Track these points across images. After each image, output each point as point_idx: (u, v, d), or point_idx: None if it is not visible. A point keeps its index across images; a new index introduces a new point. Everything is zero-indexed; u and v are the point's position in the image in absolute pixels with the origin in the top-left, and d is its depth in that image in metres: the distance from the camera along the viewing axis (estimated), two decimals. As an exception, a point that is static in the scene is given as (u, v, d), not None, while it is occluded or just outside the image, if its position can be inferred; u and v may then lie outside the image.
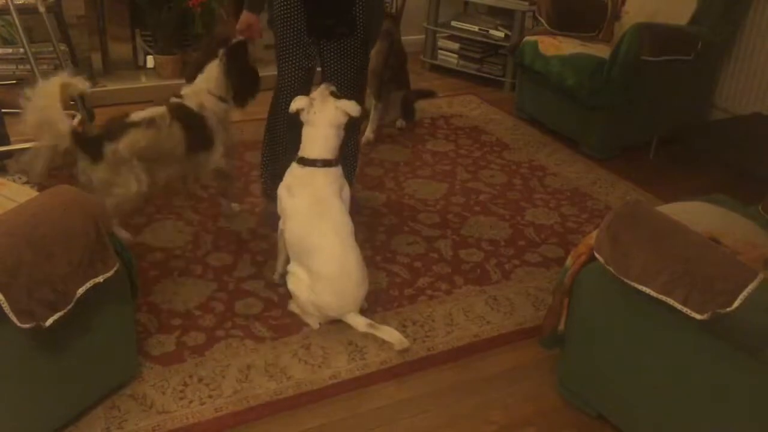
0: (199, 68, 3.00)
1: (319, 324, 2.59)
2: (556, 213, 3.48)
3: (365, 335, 2.54)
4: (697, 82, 4.30)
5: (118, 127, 2.73)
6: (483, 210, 3.46)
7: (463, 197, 3.56)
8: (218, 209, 3.26)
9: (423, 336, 2.60)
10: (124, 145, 2.68)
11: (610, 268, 2.00)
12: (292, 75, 2.94)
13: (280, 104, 2.97)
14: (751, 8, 4.21)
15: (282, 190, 2.63)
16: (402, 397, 2.34)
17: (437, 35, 5.30)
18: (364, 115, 3.23)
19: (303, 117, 2.59)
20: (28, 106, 2.55)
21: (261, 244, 3.04)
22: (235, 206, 3.25)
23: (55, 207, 1.93)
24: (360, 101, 2.78)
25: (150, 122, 2.76)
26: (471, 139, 4.21)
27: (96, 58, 4.42)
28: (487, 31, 5.04)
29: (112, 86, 4.32)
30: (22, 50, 3.75)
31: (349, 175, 3.04)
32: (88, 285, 1.90)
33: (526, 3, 4.81)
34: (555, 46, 4.18)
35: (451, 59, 5.26)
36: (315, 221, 2.53)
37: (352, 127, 2.88)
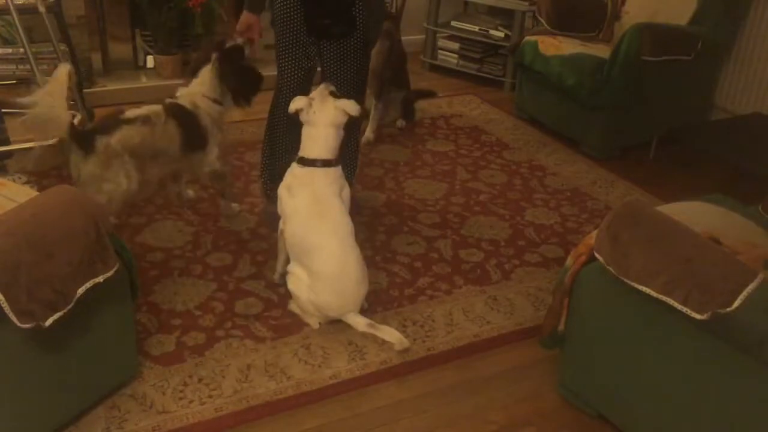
0: (195, 71, 3.02)
1: (319, 324, 2.59)
2: (556, 213, 3.48)
3: (365, 335, 2.54)
4: (697, 82, 4.30)
5: (112, 123, 2.73)
6: (483, 210, 3.46)
7: (463, 197, 3.56)
8: (218, 209, 3.26)
9: (423, 336, 2.60)
10: (116, 139, 2.67)
11: (610, 268, 2.00)
12: (292, 75, 2.94)
13: (280, 104, 2.97)
14: (751, 8, 4.21)
15: (282, 190, 2.63)
16: (402, 397, 2.34)
17: (437, 35, 5.29)
18: (364, 115, 3.23)
19: (302, 117, 2.59)
20: (38, 95, 2.54)
21: (261, 244, 3.04)
22: (235, 206, 3.25)
23: (55, 207, 1.93)
24: (360, 102, 2.78)
25: (145, 119, 2.76)
26: (471, 139, 4.21)
27: (96, 58, 4.42)
28: (487, 31, 5.04)
29: (112, 86, 4.32)
30: (22, 50, 3.75)
31: (349, 175, 3.04)
32: (88, 285, 1.90)
33: (526, 3, 4.81)
34: (555, 46, 4.18)
35: (451, 59, 5.26)
36: (315, 221, 2.53)
37: (352, 127, 2.88)
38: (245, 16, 2.91)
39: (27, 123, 2.54)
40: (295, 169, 2.61)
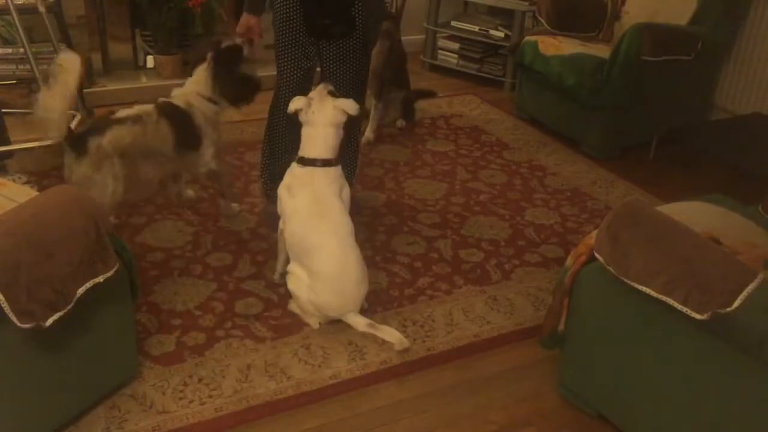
0: (193, 70, 3.02)
1: (319, 324, 2.59)
2: (556, 213, 3.48)
3: (365, 335, 2.54)
4: (697, 82, 4.30)
5: (103, 123, 2.72)
6: (483, 210, 3.46)
7: (463, 197, 3.56)
8: (218, 209, 3.26)
9: (423, 336, 2.60)
10: (107, 140, 2.66)
11: (610, 268, 2.00)
12: (292, 75, 2.94)
13: (279, 104, 2.97)
14: (751, 8, 4.21)
15: (282, 190, 2.63)
16: (402, 397, 2.34)
17: (437, 35, 5.29)
18: (364, 115, 3.23)
19: (302, 117, 2.59)
20: (42, 95, 2.54)
21: (261, 244, 3.04)
22: (235, 206, 3.25)
23: (55, 207, 1.93)
24: (360, 102, 2.78)
25: (136, 119, 2.76)
26: (471, 139, 4.21)
27: (96, 58, 4.42)
28: (487, 31, 5.04)
29: (112, 86, 4.32)
30: (22, 50, 3.75)
31: (349, 175, 3.04)
32: (88, 285, 1.90)
33: (526, 3, 4.81)
34: (555, 46, 4.18)
35: (451, 59, 5.26)
36: (315, 221, 2.53)
37: (352, 127, 2.88)
38: (245, 18, 2.90)
39: (29, 123, 2.54)
40: (294, 168, 2.61)
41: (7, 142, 3.43)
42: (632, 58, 3.78)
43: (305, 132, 2.60)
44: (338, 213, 2.56)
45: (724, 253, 1.90)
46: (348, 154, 3.03)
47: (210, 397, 2.27)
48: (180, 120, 2.87)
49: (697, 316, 1.77)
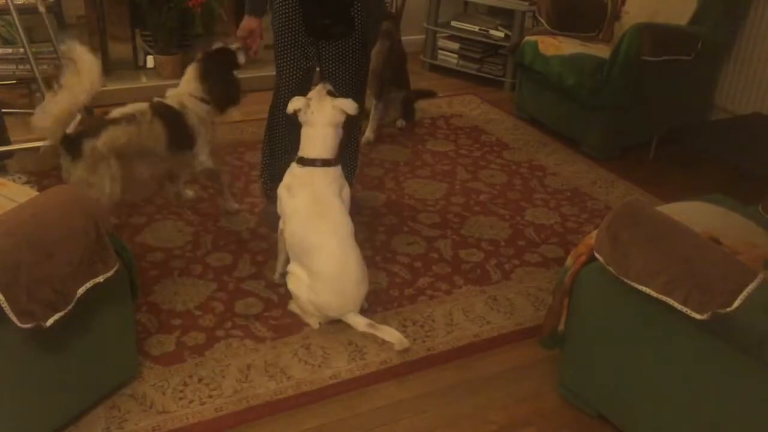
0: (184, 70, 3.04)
1: (319, 324, 2.59)
2: (556, 213, 3.48)
3: (365, 335, 2.54)
4: (697, 82, 4.30)
5: (97, 125, 2.71)
6: (483, 210, 3.46)
7: (463, 197, 3.56)
8: (218, 209, 3.26)
9: (423, 336, 2.60)
10: (102, 142, 2.65)
11: (610, 268, 2.00)
12: (291, 75, 2.94)
13: (279, 105, 2.97)
14: (751, 8, 4.21)
15: (282, 190, 2.63)
16: (402, 397, 2.34)
17: (437, 35, 5.29)
18: (364, 115, 3.23)
19: (301, 117, 2.59)
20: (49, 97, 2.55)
21: (261, 244, 3.04)
22: (234, 204, 3.25)
23: (55, 207, 1.93)
24: (359, 102, 2.78)
25: (130, 118, 2.76)
26: (471, 139, 4.21)
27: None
28: (487, 31, 5.04)
29: (112, 86, 4.31)
30: (22, 50, 3.75)
31: (349, 175, 3.04)
32: (88, 285, 1.90)
33: (526, 3, 4.81)
34: (555, 46, 4.18)
35: (451, 59, 5.26)
36: (315, 221, 2.53)
37: (352, 127, 2.88)
38: (247, 21, 2.87)
39: (28, 123, 2.56)
40: (294, 169, 2.61)
41: (7, 142, 3.43)
42: (632, 58, 3.78)
43: (304, 132, 2.60)
44: (338, 213, 2.56)
45: (724, 253, 1.90)
46: (348, 154, 3.03)
47: (210, 397, 2.27)
48: (173, 120, 2.87)
49: (697, 316, 1.77)
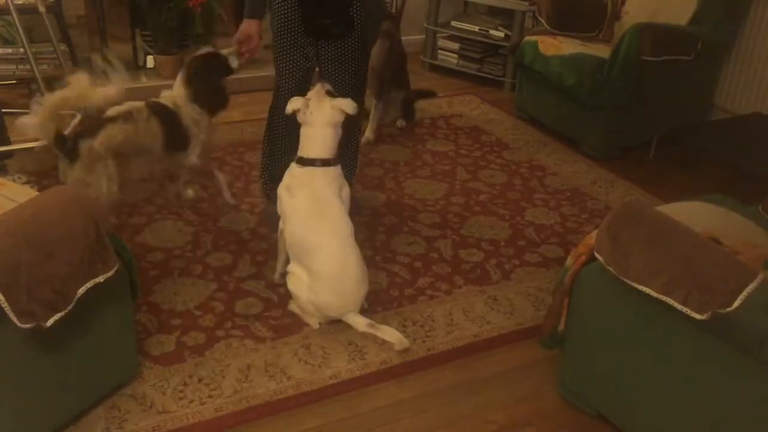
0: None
1: (319, 324, 2.59)
2: (556, 213, 3.48)
3: (365, 335, 2.54)
4: (697, 82, 4.30)
5: (94, 124, 2.71)
6: (483, 210, 3.46)
7: (463, 197, 3.56)
8: (218, 209, 3.26)
9: (423, 336, 2.60)
10: (99, 141, 2.65)
11: (610, 268, 2.00)
12: (291, 76, 2.94)
13: (278, 105, 2.96)
14: (751, 8, 4.21)
15: (282, 190, 2.63)
16: (402, 397, 2.34)
17: (437, 35, 5.29)
18: (363, 115, 3.23)
19: (300, 118, 2.59)
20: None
21: (261, 244, 3.04)
22: (231, 199, 3.27)
23: (55, 207, 1.93)
24: (359, 102, 2.78)
25: (127, 116, 2.76)
26: (471, 139, 4.21)
27: (96, 58, 4.41)
28: (487, 31, 5.04)
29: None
30: (22, 50, 3.75)
31: (349, 175, 3.04)
32: (88, 285, 1.90)
33: (526, 3, 4.81)
34: (555, 46, 4.18)
35: (451, 59, 5.26)
36: (314, 221, 2.53)
37: (351, 127, 2.88)
38: (246, 25, 2.85)
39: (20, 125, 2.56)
40: (294, 169, 2.61)
41: (7, 142, 3.43)
42: (632, 58, 3.78)
43: (304, 132, 2.60)
44: (338, 213, 2.56)
45: (724, 253, 1.90)
46: (347, 154, 3.03)
47: (210, 397, 2.27)
48: (169, 119, 2.88)
49: (697, 316, 1.77)
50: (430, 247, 3.12)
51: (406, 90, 4.26)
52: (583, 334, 2.22)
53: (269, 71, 3.16)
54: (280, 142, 3.06)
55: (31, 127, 2.58)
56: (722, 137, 3.93)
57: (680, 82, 4.09)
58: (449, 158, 3.96)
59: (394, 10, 4.96)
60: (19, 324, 1.74)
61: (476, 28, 5.10)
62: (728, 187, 2.91)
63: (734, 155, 3.69)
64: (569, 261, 2.21)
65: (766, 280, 1.73)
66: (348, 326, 2.57)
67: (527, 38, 4.35)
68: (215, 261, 2.92)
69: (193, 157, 3.00)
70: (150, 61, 4.54)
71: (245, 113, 4.24)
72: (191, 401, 2.24)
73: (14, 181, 3.11)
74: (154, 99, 2.93)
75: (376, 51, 3.81)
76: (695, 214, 2.24)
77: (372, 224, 3.26)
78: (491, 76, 5.08)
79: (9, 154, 3.42)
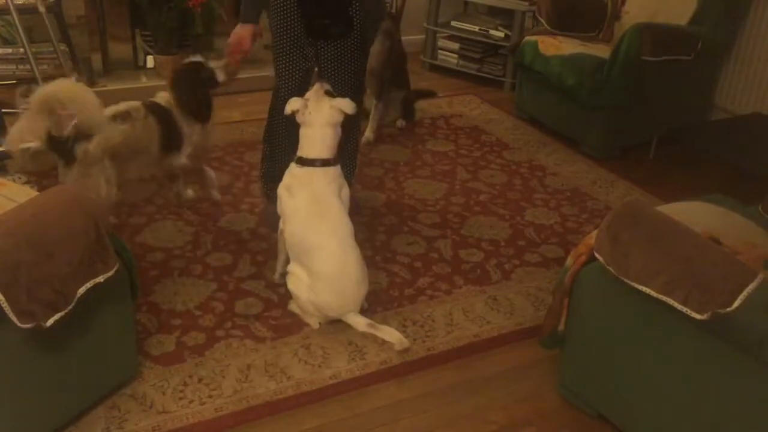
0: None
1: (319, 324, 2.59)
2: (556, 213, 3.48)
3: (365, 335, 2.54)
4: (697, 82, 4.30)
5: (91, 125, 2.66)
6: (483, 210, 3.46)
7: (463, 197, 3.56)
8: (218, 209, 3.26)
9: (423, 336, 2.60)
10: (95, 144, 2.63)
11: (610, 268, 2.00)
12: (290, 77, 2.93)
13: (278, 106, 2.96)
14: (751, 8, 4.21)
15: (282, 190, 2.63)
16: (402, 397, 2.34)
17: (437, 35, 5.29)
18: (363, 115, 3.23)
19: (299, 118, 2.59)
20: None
21: (261, 244, 3.04)
22: (217, 195, 3.26)
23: (55, 207, 1.93)
24: (358, 102, 2.78)
25: (125, 115, 2.75)
26: (471, 139, 4.21)
27: (96, 58, 4.42)
28: (487, 31, 5.04)
29: (112, 86, 4.32)
30: (22, 50, 3.75)
31: (349, 175, 3.04)
32: (88, 285, 1.90)
33: (526, 3, 4.81)
34: (555, 46, 4.18)
35: (451, 59, 5.26)
36: (314, 221, 2.53)
37: (351, 127, 2.88)
38: (239, 29, 2.85)
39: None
40: (293, 169, 2.61)
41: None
42: (632, 58, 3.78)
43: (303, 132, 2.60)
44: (337, 213, 2.56)
45: (724, 253, 1.90)
46: (347, 154, 3.03)
47: (210, 397, 2.27)
48: (165, 118, 2.87)
49: (697, 316, 1.77)
50: (430, 247, 3.12)
51: (406, 90, 4.26)
52: (583, 334, 2.22)
53: (269, 71, 3.16)
54: (280, 143, 3.06)
55: (25, 131, 2.56)
56: (722, 137, 3.93)
57: (680, 82, 4.09)
58: (449, 158, 3.96)
59: (394, 10, 4.96)
60: (19, 324, 1.74)
61: (476, 28, 5.10)
62: (728, 187, 2.91)
63: (734, 155, 3.69)
64: (569, 261, 2.21)
65: (766, 280, 1.73)
66: (348, 326, 2.57)
67: (527, 38, 4.35)
68: (215, 261, 2.92)
69: (183, 157, 2.99)
70: (150, 61, 4.54)
71: (245, 113, 4.24)
72: (191, 401, 2.24)
73: (14, 181, 3.11)
74: (151, 99, 2.92)
75: (376, 51, 3.81)
76: (695, 214, 2.24)
77: (372, 224, 3.26)
78: (491, 76, 5.08)
79: (9, 154, 3.42)
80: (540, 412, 2.32)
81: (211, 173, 3.26)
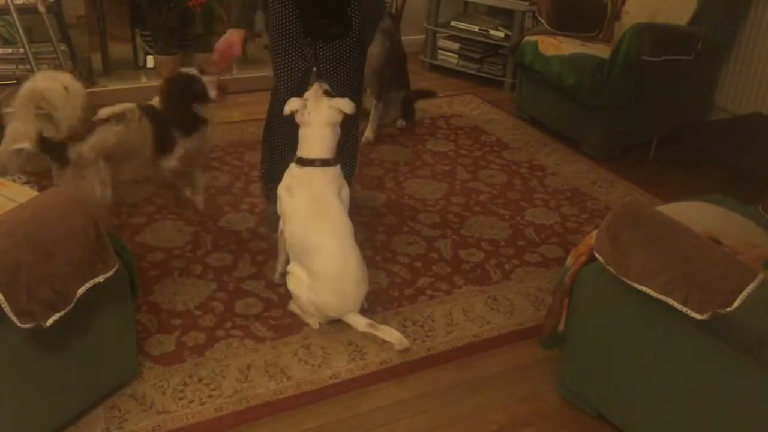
0: None
1: (319, 324, 2.59)
2: (556, 213, 3.48)
3: (365, 335, 2.54)
4: (697, 82, 4.30)
5: (84, 128, 2.65)
6: (483, 210, 3.46)
7: (463, 197, 3.56)
8: (218, 209, 3.26)
9: (423, 336, 2.60)
10: (89, 146, 2.62)
11: (610, 268, 2.00)
12: (289, 77, 2.93)
13: (277, 106, 2.95)
14: (751, 8, 4.21)
15: (282, 191, 2.63)
16: (402, 397, 2.34)
17: (437, 35, 5.29)
18: (363, 115, 3.22)
19: (298, 118, 2.59)
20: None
21: (261, 244, 3.04)
22: (201, 203, 3.24)
23: (55, 207, 1.93)
24: (357, 102, 2.78)
25: (120, 117, 2.74)
26: (471, 139, 4.21)
27: (96, 58, 4.42)
28: (487, 31, 5.04)
29: (112, 86, 4.32)
30: (22, 50, 3.75)
31: (349, 175, 3.04)
32: (88, 285, 1.90)
33: (526, 3, 4.81)
34: (555, 46, 4.18)
35: (451, 59, 5.26)
36: (314, 221, 2.53)
37: (351, 127, 2.88)
38: (229, 34, 2.82)
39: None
40: (293, 169, 2.61)
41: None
42: (632, 58, 3.78)
43: (302, 133, 2.60)
44: (337, 213, 2.56)
45: (724, 253, 1.90)
46: (347, 154, 3.03)
47: (210, 397, 2.27)
48: (159, 121, 2.86)
49: (697, 316, 1.77)
50: (430, 247, 3.12)
51: (406, 90, 4.26)
52: (583, 334, 2.22)
53: (268, 71, 3.15)
54: (280, 143, 3.06)
55: (18, 132, 2.54)
56: (722, 137, 3.93)
57: (680, 82, 4.09)
58: (449, 158, 3.96)
59: (394, 10, 4.96)
60: (19, 324, 1.74)
61: (476, 28, 5.09)
62: (728, 187, 2.91)
63: (734, 155, 3.69)
64: (569, 261, 2.21)
65: (766, 280, 1.73)
66: (348, 326, 2.57)
67: (527, 38, 4.35)
68: (215, 261, 2.92)
69: (174, 160, 2.97)
70: (150, 61, 4.54)
71: (245, 113, 4.24)
72: (191, 401, 2.24)
73: (14, 181, 3.11)
74: (147, 102, 2.92)
75: (376, 51, 3.81)
76: (695, 214, 2.24)
77: (372, 224, 3.26)
78: (491, 76, 5.08)
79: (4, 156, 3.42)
80: (540, 412, 2.32)
81: (201, 179, 3.24)
